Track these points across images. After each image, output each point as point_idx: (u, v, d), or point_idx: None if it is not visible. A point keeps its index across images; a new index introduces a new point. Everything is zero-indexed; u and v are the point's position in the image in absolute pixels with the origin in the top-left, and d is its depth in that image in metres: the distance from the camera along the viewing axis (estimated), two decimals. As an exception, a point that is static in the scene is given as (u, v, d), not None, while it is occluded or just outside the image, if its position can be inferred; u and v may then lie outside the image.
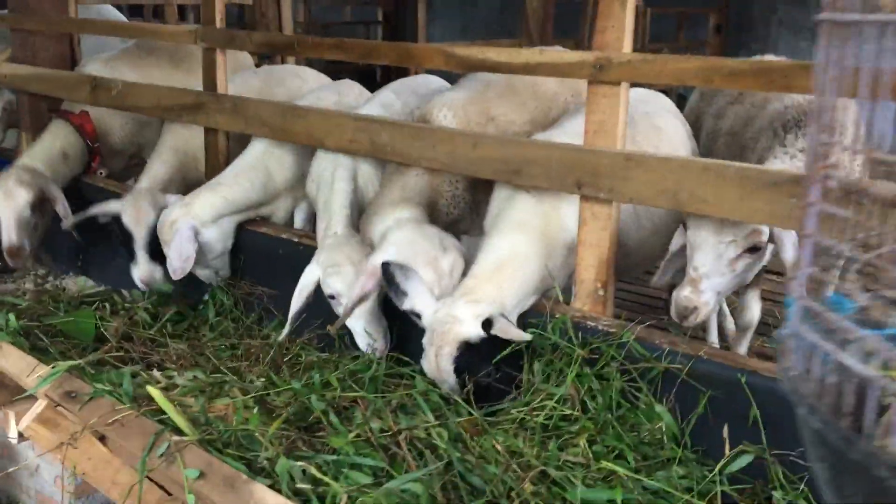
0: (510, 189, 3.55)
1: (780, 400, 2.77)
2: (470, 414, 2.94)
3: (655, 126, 3.88)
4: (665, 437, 3.00)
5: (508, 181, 3.50)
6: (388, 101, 4.56)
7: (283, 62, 6.95)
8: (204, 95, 4.70)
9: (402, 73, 7.67)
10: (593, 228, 3.35)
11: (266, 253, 4.52)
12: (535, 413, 3.01)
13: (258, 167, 4.64)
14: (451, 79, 4.61)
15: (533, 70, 3.42)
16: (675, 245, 3.29)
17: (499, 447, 2.74)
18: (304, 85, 5.63)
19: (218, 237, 4.42)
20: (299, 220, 4.95)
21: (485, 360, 3.06)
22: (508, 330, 3.07)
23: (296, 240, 4.39)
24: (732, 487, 2.80)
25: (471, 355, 3.04)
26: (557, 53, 3.35)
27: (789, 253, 3.04)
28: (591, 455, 2.92)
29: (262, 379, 3.69)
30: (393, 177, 3.89)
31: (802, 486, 2.70)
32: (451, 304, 3.15)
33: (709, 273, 3.12)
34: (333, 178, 4.15)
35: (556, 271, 3.41)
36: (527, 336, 3.12)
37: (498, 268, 3.26)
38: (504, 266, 3.25)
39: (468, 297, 3.15)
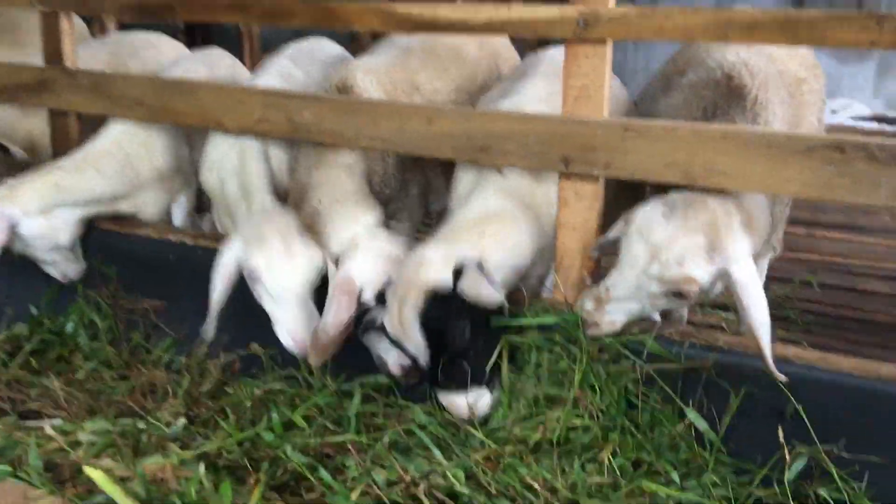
0: (476, 172, 3.05)
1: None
2: (482, 444, 2.44)
3: None
4: (689, 442, 2.66)
5: (474, 160, 2.99)
6: (287, 71, 3.88)
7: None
8: (50, 71, 3.79)
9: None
10: (577, 209, 2.93)
11: (150, 259, 3.73)
12: (547, 429, 2.57)
13: (113, 153, 3.80)
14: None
15: (498, 29, 2.91)
16: (612, 233, 2.81)
17: (535, 484, 2.28)
18: (161, 56, 4.78)
19: (45, 231, 3.57)
20: (178, 218, 4.17)
21: (459, 322, 2.58)
22: (477, 284, 2.57)
23: (190, 241, 3.65)
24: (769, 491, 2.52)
25: (440, 310, 2.55)
26: (529, 9, 2.85)
27: (756, 314, 2.50)
28: (617, 473, 2.53)
29: (181, 420, 2.99)
30: (321, 162, 3.25)
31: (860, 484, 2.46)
32: (421, 248, 2.69)
33: (621, 297, 2.66)
34: (243, 163, 3.46)
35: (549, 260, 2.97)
36: (497, 297, 2.64)
37: (482, 220, 2.81)
38: (489, 220, 2.82)
39: (442, 241, 2.71)
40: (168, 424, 2.96)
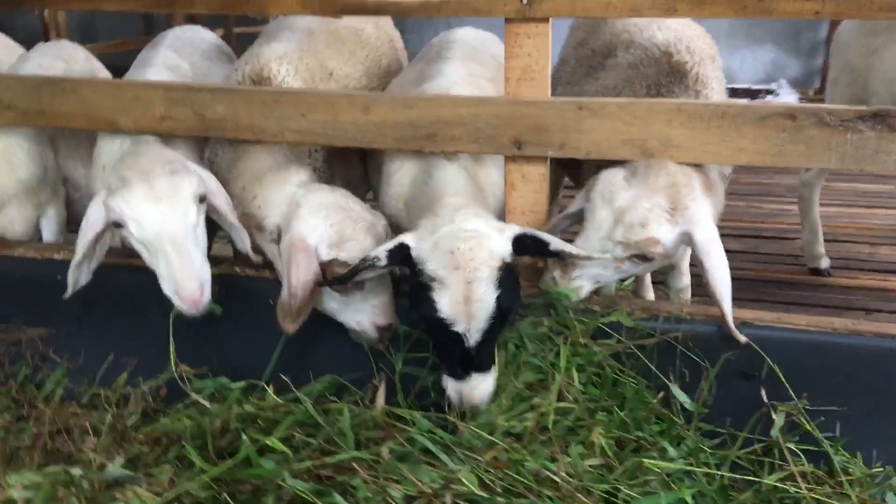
0: (416, 160, 2.91)
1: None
2: (492, 445, 2.33)
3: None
4: (665, 413, 2.70)
5: (419, 148, 2.84)
6: (174, 63, 3.52)
7: None
8: None
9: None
10: (525, 193, 2.88)
11: (31, 282, 3.28)
12: (539, 417, 2.51)
13: None
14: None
15: (436, 9, 2.76)
16: (574, 206, 2.84)
17: (556, 477, 2.21)
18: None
19: None
20: (49, 233, 3.69)
21: (514, 295, 2.49)
22: (563, 245, 2.54)
23: (80, 259, 3.24)
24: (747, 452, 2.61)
25: (508, 284, 2.43)
26: (469, -13, 2.74)
27: (718, 276, 2.58)
28: (609, 452, 2.52)
29: (118, 460, 2.65)
30: (239, 156, 2.99)
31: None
32: (447, 221, 2.50)
33: (587, 263, 2.70)
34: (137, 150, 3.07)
35: None
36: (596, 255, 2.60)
37: (468, 199, 2.66)
38: (475, 200, 2.68)
39: (467, 212, 2.52)
40: (102, 467, 2.62)
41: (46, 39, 7.13)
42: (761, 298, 4.68)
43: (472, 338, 2.43)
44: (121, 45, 8.59)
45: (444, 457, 2.26)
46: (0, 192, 3.41)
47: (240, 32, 10.44)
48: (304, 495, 2.12)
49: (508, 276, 2.45)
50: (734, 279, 2.63)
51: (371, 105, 2.82)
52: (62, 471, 2.54)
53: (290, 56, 3.19)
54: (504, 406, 2.55)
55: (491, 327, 2.44)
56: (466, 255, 2.41)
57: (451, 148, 2.80)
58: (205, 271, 2.65)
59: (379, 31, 3.81)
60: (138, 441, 2.81)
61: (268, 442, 2.35)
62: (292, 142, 2.94)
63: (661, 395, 2.67)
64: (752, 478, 2.44)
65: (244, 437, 2.37)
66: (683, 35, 3.22)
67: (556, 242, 2.53)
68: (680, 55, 3.07)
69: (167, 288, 2.63)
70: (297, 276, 2.59)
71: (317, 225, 2.65)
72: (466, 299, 2.39)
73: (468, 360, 2.47)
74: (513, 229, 2.52)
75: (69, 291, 2.85)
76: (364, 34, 3.67)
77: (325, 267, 2.63)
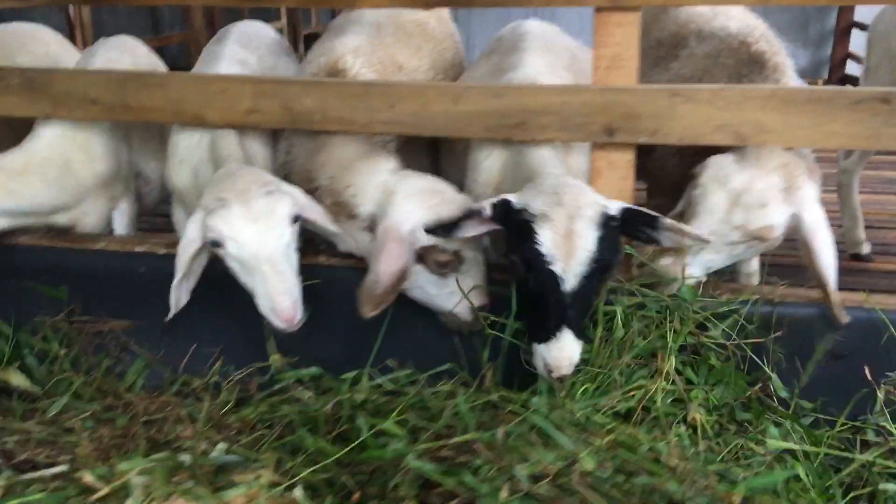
0: (505, 147, 2.95)
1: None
2: (604, 426, 2.38)
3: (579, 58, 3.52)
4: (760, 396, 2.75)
5: (508, 137, 2.88)
6: (242, 57, 3.55)
7: None
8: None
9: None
10: (611, 179, 2.92)
11: (114, 276, 3.31)
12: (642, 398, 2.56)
13: (53, 159, 3.33)
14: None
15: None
16: (683, 203, 2.90)
17: (675, 460, 2.25)
18: (50, 48, 4.23)
19: None
20: (120, 227, 3.71)
21: (614, 248, 2.51)
22: (679, 224, 2.55)
23: (162, 251, 3.27)
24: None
25: (609, 235, 2.45)
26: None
27: (825, 259, 2.65)
28: (710, 433, 2.58)
29: (220, 446, 2.69)
30: (323, 145, 3.02)
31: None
32: (552, 179, 2.58)
33: (699, 249, 2.75)
34: (216, 147, 3.10)
35: None
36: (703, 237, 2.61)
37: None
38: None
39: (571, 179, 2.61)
40: (205, 453, 2.66)
41: (72, 38, 7.13)
42: (800, 284, 4.72)
43: (569, 282, 2.41)
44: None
45: (562, 438, 2.29)
46: (79, 184, 3.42)
47: (255, 28, 10.42)
48: (430, 476, 2.15)
49: (610, 229, 2.45)
50: (774, 265, 2.69)
51: (461, 95, 2.86)
52: (169, 456, 2.58)
53: (363, 49, 3.22)
54: (608, 386, 2.60)
55: (589, 277, 2.43)
56: (571, 195, 2.46)
57: (540, 136, 2.84)
58: (298, 289, 2.69)
59: (441, 25, 3.85)
60: (235, 428, 2.86)
61: (383, 426, 2.38)
62: (380, 132, 2.97)
63: (757, 379, 2.73)
64: (855, 455, 2.49)
65: (360, 420, 2.40)
66: (754, 25, 3.28)
67: (665, 220, 2.53)
68: (759, 45, 3.12)
69: (263, 306, 2.67)
70: (387, 263, 2.63)
71: (413, 210, 2.69)
72: (568, 234, 2.40)
73: (561, 312, 2.43)
74: (619, 202, 2.56)
75: (171, 313, 2.88)
76: (429, 28, 3.71)
77: (424, 252, 2.68)
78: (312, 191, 2.93)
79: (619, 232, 2.52)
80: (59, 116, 3.21)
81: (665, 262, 2.73)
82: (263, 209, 2.65)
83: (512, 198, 2.54)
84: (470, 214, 2.52)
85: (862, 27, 9.14)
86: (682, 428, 2.58)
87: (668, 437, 2.50)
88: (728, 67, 3.10)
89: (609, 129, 2.79)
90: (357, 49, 3.21)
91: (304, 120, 2.98)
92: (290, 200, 2.71)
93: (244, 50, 3.60)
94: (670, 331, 2.64)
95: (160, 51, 4.55)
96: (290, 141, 3.16)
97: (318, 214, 2.84)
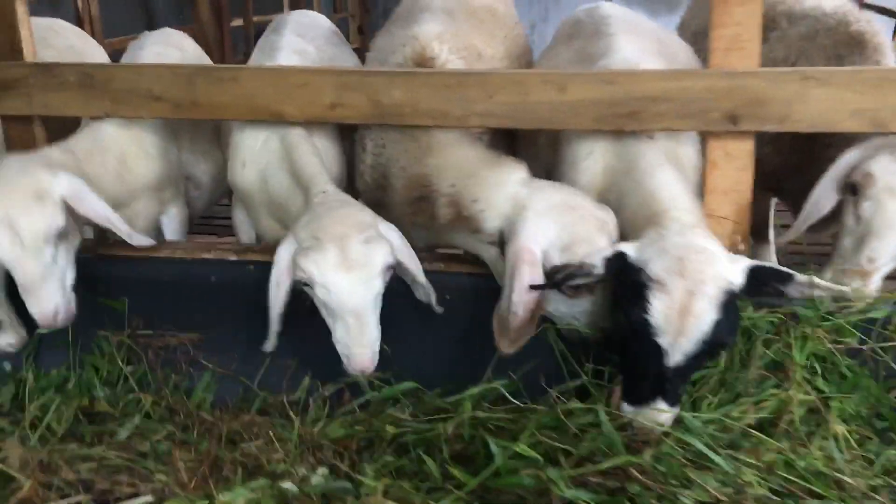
0: (607, 143, 2.73)
1: None
2: (759, 444, 2.17)
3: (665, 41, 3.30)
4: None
5: (619, 128, 2.66)
6: (300, 48, 3.31)
7: None
8: (16, 68, 2.98)
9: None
10: (728, 171, 2.71)
11: (180, 285, 3.06)
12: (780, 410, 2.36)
13: (112, 150, 3.08)
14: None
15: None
16: (821, 197, 2.67)
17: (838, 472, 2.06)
18: (71, 42, 3.96)
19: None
20: (171, 232, 3.46)
21: (732, 329, 2.28)
22: (818, 281, 2.31)
23: (234, 257, 3.03)
24: None
25: (730, 314, 2.20)
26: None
27: None
28: (853, 443, 2.38)
29: (321, 470, 2.48)
30: (431, 146, 2.78)
31: None
32: (677, 234, 2.29)
33: (886, 264, 2.53)
34: (291, 151, 2.85)
35: None
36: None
37: (692, 198, 2.47)
38: (694, 198, 2.50)
39: (699, 231, 2.32)
40: (304, 479, 2.44)
41: (83, 32, 6.86)
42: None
43: (674, 357, 2.19)
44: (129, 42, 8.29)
45: (718, 459, 2.08)
46: (137, 181, 3.16)
47: (258, 21, 10.16)
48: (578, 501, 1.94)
49: (731, 307, 2.21)
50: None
51: (567, 83, 2.64)
52: (269, 485, 2.36)
53: (446, 36, 2.99)
54: (741, 398, 2.40)
55: (697, 355, 2.20)
56: (695, 265, 2.19)
57: (655, 126, 2.63)
58: (378, 340, 2.48)
59: (509, 11, 3.62)
60: (331, 449, 2.64)
61: (516, 448, 2.16)
62: (477, 126, 2.75)
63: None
64: None
65: (492, 442, 2.18)
66: (848, 5, 3.11)
67: (801, 277, 2.30)
68: (859, 24, 2.94)
69: (340, 349, 2.48)
70: (520, 292, 2.40)
71: (546, 228, 2.46)
72: (683, 310, 2.16)
73: (659, 384, 2.22)
74: (747, 261, 2.30)
75: (270, 345, 2.69)
76: (499, 13, 3.48)
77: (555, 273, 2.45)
78: (424, 197, 2.70)
79: (746, 295, 2.30)
80: (119, 115, 2.95)
81: (854, 285, 2.51)
82: (360, 259, 2.42)
83: (629, 250, 2.31)
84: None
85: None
86: (828, 441, 2.37)
87: (811, 451, 2.29)
88: (826, 49, 2.93)
89: (732, 116, 2.58)
90: (441, 36, 2.97)
91: (393, 114, 2.75)
92: (387, 249, 2.48)
93: (301, 40, 3.36)
94: (798, 339, 2.43)
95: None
96: (380, 139, 2.92)
97: (412, 262, 2.62)
